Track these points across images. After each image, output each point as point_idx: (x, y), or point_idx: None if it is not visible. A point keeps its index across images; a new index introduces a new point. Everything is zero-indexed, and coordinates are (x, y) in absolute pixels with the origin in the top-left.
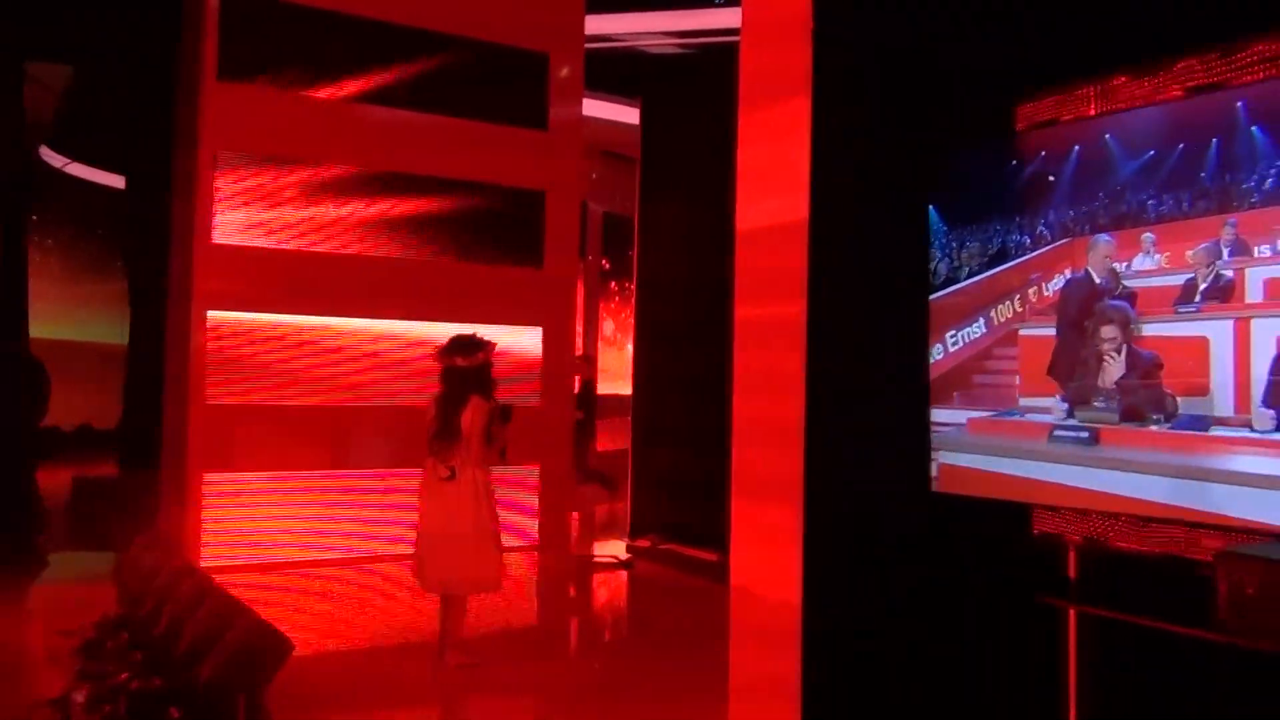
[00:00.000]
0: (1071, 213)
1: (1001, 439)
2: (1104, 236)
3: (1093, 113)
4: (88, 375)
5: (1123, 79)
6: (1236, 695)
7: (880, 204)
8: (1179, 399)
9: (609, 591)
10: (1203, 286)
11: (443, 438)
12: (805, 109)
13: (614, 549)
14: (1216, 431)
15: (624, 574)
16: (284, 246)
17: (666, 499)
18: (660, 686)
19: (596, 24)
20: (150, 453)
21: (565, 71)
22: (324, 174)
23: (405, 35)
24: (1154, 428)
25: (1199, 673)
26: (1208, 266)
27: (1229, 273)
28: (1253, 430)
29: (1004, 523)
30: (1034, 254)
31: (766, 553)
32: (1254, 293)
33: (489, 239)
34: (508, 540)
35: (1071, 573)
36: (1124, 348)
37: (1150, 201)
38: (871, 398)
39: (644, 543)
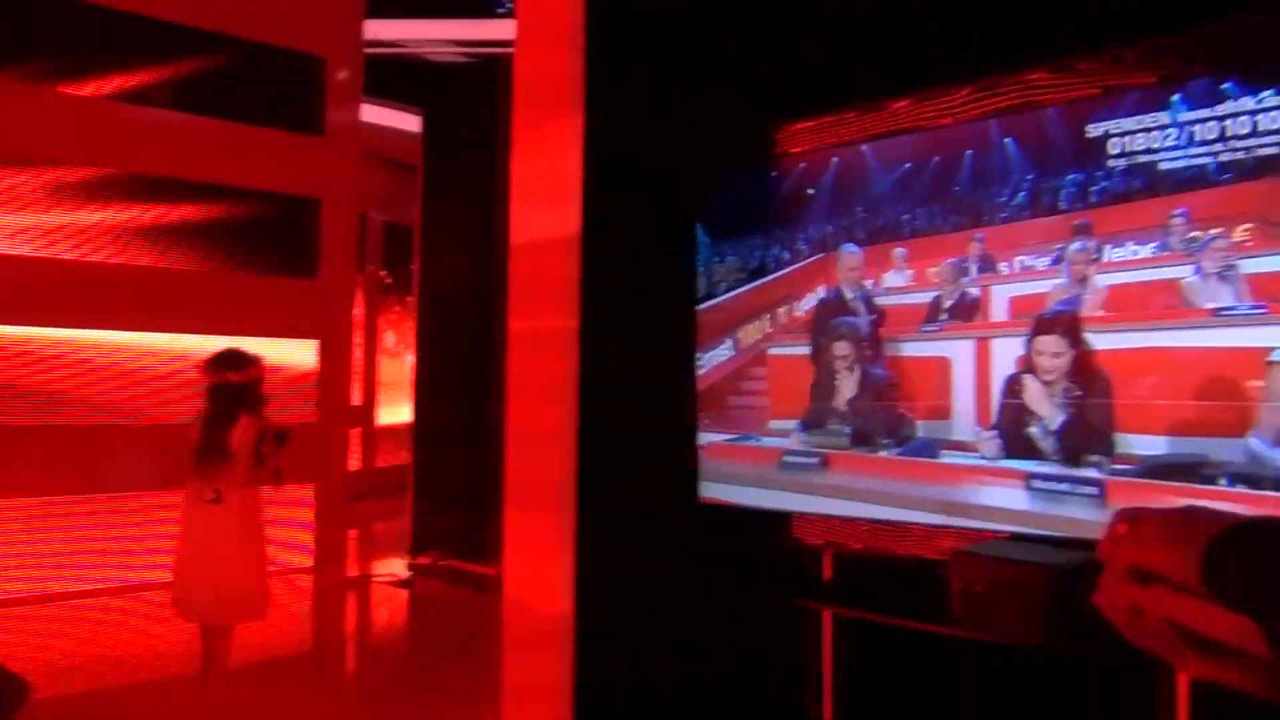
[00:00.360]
0: (830, 227)
1: (733, 465)
2: (849, 247)
3: (849, 136)
4: None
5: (883, 104)
6: (973, 685)
7: (650, 220)
8: (923, 423)
9: (388, 611)
10: (948, 304)
11: (209, 458)
12: (578, 125)
13: (394, 567)
14: (947, 458)
15: (404, 593)
16: (31, 254)
17: (448, 514)
18: (435, 699)
19: (377, 29)
20: None
21: (343, 76)
22: (76, 176)
23: (171, 32)
24: (884, 453)
25: (940, 665)
26: (953, 284)
27: (975, 290)
28: (982, 457)
29: (767, 530)
30: (786, 271)
31: (539, 563)
32: (999, 311)
33: (261, 248)
34: (282, 563)
35: (827, 576)
36: (856, 367)
37: (905, 216)
38: (642, 410)
39: (425, 560)
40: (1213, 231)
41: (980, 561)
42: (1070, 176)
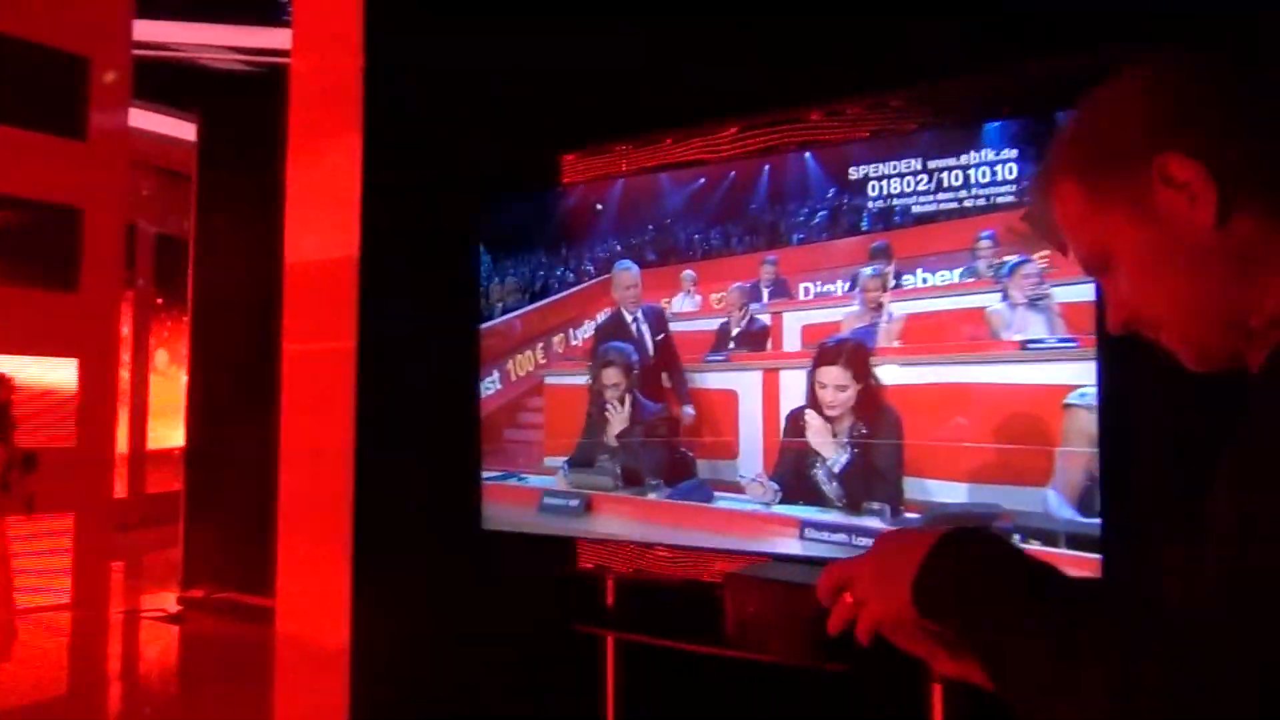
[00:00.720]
0: (617, 247)
1: (496, 506)
2: (623, 264)
3: (630, 164)
4: None
5: (657, 138)
6: (754, 705)
7: (432, 243)
8: (705, 462)
9: (156, 649)
10: (735, 332)
11: None
12: (357, 144)
13: (164, 601)
14: (724, 502)
15: (174, 628)
16: None
17: (224, 544)
18: None
19: (149, 30)
20: None
21: (109, 77)
22: None
23: None
24: (652, 495)
25: (723, 686)
26: (740, 309)
27: (765, 317)
28: (759, 502)
29: (550, 556)
30: (564, 294)
31: (315, 592)
32: (791, 340)
33: (16, 258)
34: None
35: (610, 601)
36: (627, 397)
37: (695, 236)
38: (423, 435)
39: (198, 593)
40: (1020, 255)
41: (750, 584)
42: (871, 198)
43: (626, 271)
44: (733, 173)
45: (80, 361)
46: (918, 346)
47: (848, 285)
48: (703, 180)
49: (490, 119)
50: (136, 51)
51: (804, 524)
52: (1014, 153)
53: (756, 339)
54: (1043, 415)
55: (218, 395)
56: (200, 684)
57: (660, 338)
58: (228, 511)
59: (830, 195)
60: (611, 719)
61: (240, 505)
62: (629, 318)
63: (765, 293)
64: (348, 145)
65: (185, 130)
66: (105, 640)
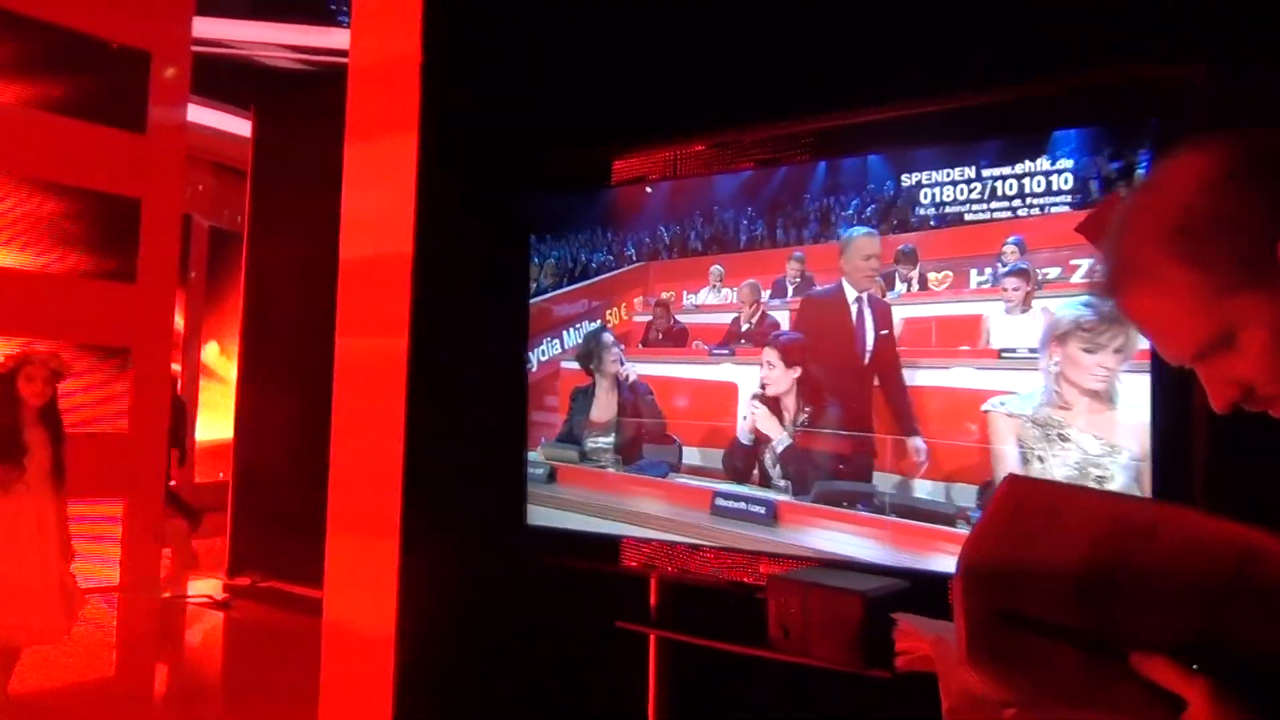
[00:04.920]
0: (647, 241)
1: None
2: (861, 229)
3: (677, 160)
4: None
5: (712, 142)
6: (790, 706)
7: (485, 241)
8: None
9: (201, 635)
10: (745, 328)
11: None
12: (413, 141)
13: (210, 587)
14: (681, 479)
15: (221, 615)
16: None
17: (270, 533)
18: None
19: (208, 28)
20: None
21: (169, 73)
22: None
23: None
24: (611, 470)
25: (761, 687)
26: (751, 305)
27: (775, 314)
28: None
29: (596, 554)
30: (592, 281)
31: (363, 586)
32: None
33: (75, 248)
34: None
35: (653, 600)
36: (604, 381)
37: (731, 230)
38: (472, 433)
39: (244, 580)
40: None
41: (794, 587)
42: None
43: (869, 238)
44: (778, 171)
45: (135, 351)
46: (913, 349)
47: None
48: (743, 178)
49: (542, 113)
50: (195, 48)
51: (716, 494)
52: (1048, 163)
53: (763, 335)
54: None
55: (267, 387)
56: (247, 669)
57: (884, 333)
58: (274, 502)
59: (868, 195)
60: (653, 717)
61: (286, 496)
62: (851, 295)
63: (790, 288)
64: (404, 141)
65: (240, 126)
66: (154, 624)
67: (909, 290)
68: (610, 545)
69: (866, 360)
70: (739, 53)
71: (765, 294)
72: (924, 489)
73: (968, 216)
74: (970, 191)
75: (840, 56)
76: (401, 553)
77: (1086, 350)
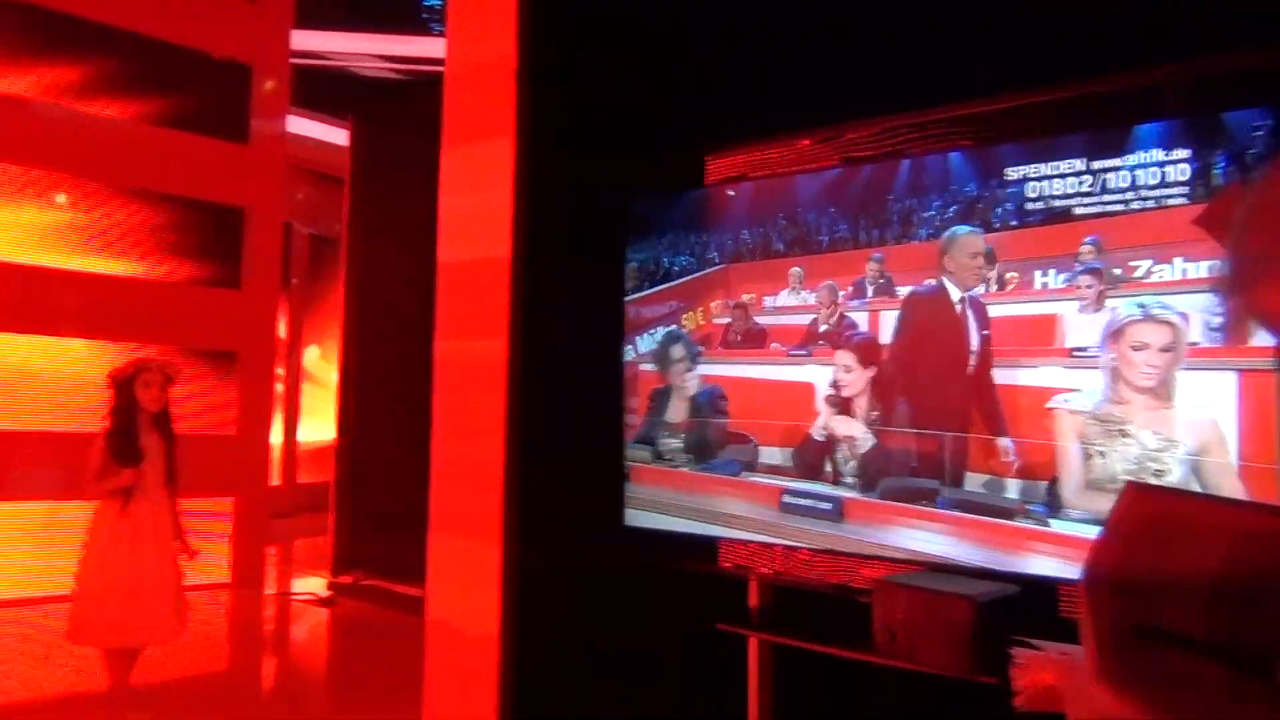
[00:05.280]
0: (730, 243)
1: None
2: (964, 227)
3: (773, 164)
4: None
5: (808, 141)
6: (895, 712)
7: (581, 242)
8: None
9: (308, 632)
10: (822, 328)
11: (112, 469)
12: (509, 146)
13: (314, 585)
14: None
15: (325, 612)
16: None
17: (372, 532)
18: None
19: (306, 40)
20: None
21: (270, 85)
22: None
23: (94, 31)
24: (684, 469)
25: (865, 691)
26: (829, 306)
27: (858, 315)
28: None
29: (694, 554)
30: (675, 283)
31: (465, 587)
32: (888, 336)
33: (182, 256)
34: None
35: (753, 601)
36: (679, 382)
37: (813, 231)
38: (571, 435)
39: (347, 578)
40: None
41: (899, 591)
42: (980, 203)
43: (974, 236)
44: (862, 171)
45: (240, 355)
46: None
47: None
48: (827, 179)
49: (636, 118)
50: (294, 60)
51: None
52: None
53: (843, 335)
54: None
55: (367, 390)
56: (351, 664)
57: (985, 332)
58: (375, 502)
59: (950, 195)
60: (756, 718)
61: (387, 496)
62: (955, 295)
63: (870, 289)
64: (500, 146)
65: (337, 135)
66: (261, 619)
67: (987, 290)
68: (707, 546)
69: (973, 360)
70: (831, 49)
71: (842, 295)
72: (1002, 486)
73: (1048, 214)
74: (1053, 189)
75: (939, 48)
76: (503, 553)
77: (1134, 348)
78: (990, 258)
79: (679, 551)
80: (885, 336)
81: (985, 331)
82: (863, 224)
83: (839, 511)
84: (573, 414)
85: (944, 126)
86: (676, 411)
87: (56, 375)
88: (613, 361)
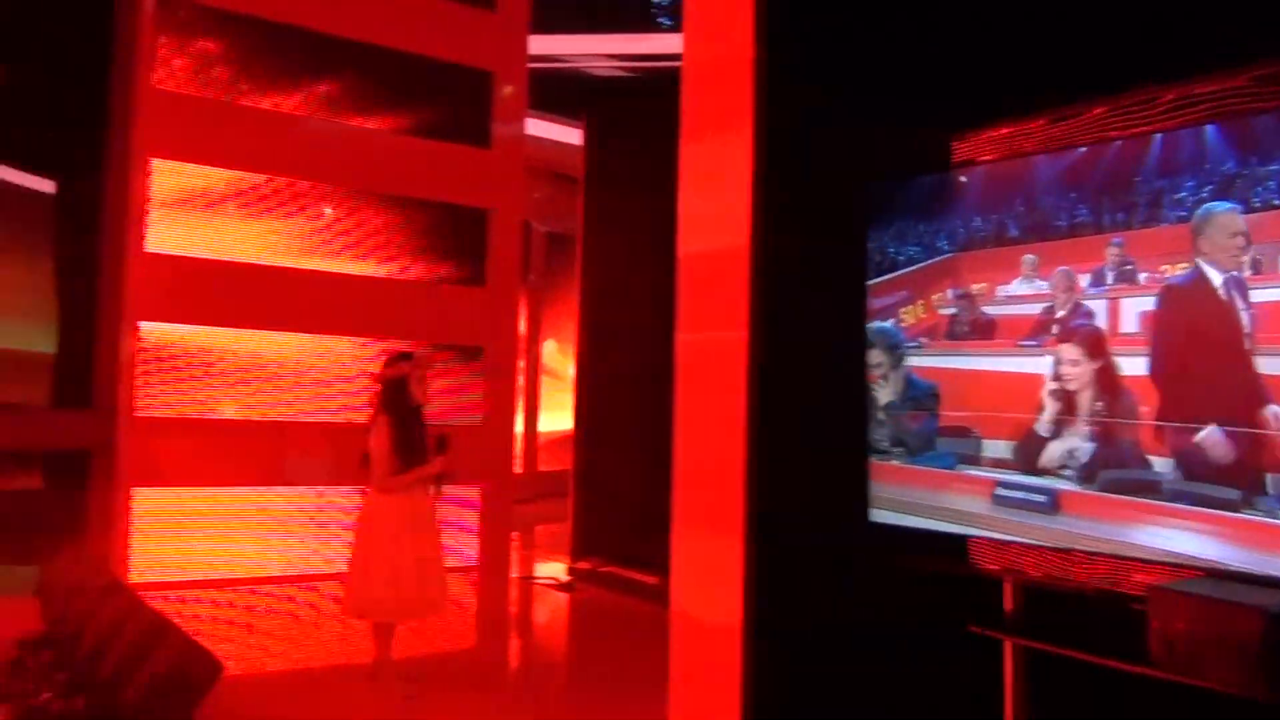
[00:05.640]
0: (963, 232)
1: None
2: (1221, 204)
3: (1029, 144)
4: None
5: (1056, 118)
6: None
7: (821, 231)
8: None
9: (550, 615)
10: (1059, 315)
11: (362, 458)
12: (748, 134)
13: (555, 570)
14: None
15: (565, 596)
16: (219, 257)
17: (609, 521)
18: (601, 700)
19: (541, 44)
20: (77, 466)
21: (508, 90)
22: (261, 185)
23: (347, 48)
24: (895, 461)
25: (1134, 706)
26: (1065, 293)
27: (1096, 303)
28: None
29: (942, 552)
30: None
31: (708, 579)
32: (1128, 325)
33: (432, 257)
34: (449, 560)
35: (1008, 605)
36: (891, 375)
37: (1047, 217)
38: (814, 428)
39: (585, 564)
40: None
41: (1180, 600)
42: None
43: (1231, 215)
44: (1108, 150)
45: (485, 349)
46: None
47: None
48: (1068, 161)
49: (874, 100)
50: (531, 65)
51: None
52: None
53: (1079, 324)
54: None
55: (602, 382)
56: (591, 648)
57: (1249, 314)
58: (613, 490)
59: (1205, 174)
60: None
61: (623, 484)
62: (1217, 279)
63: (1110, 276)
64: (739, 136)
65: (569, 135)
66: (506, 602)
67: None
68: (955, 544)
69: (1247, 345)
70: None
71: (1079, 281)
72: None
73: None
74: None
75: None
76: (745, 547)
77: None
78: (1248, 238)
79: (928, 548)
80: (1126, 324)
81: (1249, 313)
82: (1106, 207)
83: (1054, 504)
84: (815, 405)
85: (1204, 101)
86: (890, 404)
87: (324, 370)
88: (855, 351)
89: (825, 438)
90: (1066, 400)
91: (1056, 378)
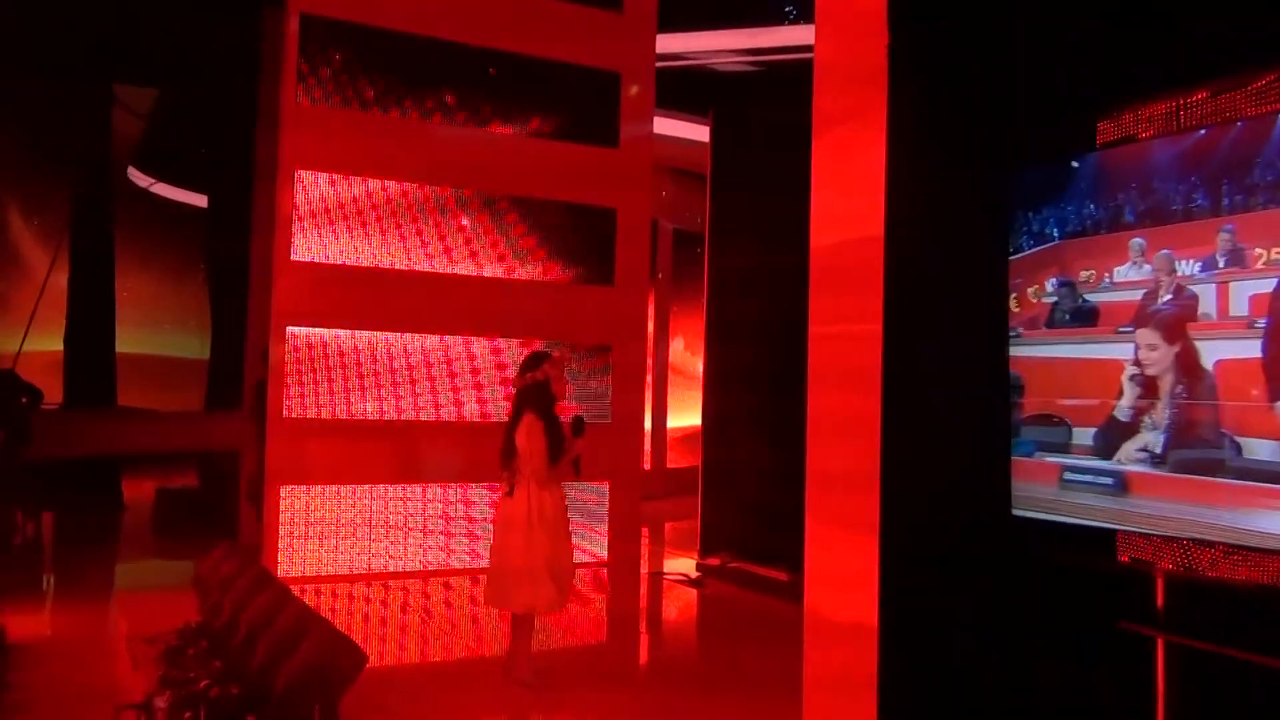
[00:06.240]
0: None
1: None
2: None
3: (1176, 127)
4: (168, 387)
5: (1204, 94)
6: None
7: (958, 218)
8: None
9: (679, 611)
10: (1164, 299)
11: (503, 456)
12: (880, 121)
13: (684, 566)
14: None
15: (695, 592)
16: (360, 263)
17: (737, 517)
18: (734, 695)
19: (667, 43)
20: (230, 463)
21: (635, 90)
22: (400, 192)
23: (480, 56)
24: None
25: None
26: (1169, 276)
27: (1195, 287)
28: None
29: (1087, 547)
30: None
31: (842, 582)
32: (1238, 310)
33: (562, 257)
34: (580, 556)
35: (1160, 601)
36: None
37: (1161, 201)
38: (951, 422)
39: (714, 560)
40: None
41: None
42: None
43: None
44: (1229, 132)
45: (615, 347)
46: None
47: None
48: (1187, 143)
49: (1008, 86)
50: (657, 64)
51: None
52: None
53: (1185, 308)
54: None
55: (731, 378)
56: (721, 645)
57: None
58: (741, 486)
59: None
60: None
61: (753, 480)
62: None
63: (1221, 261)
64: (872, 126)
65: (695, 132)
66: (637, 596)
67: None
68: (1103, 538)
69: None
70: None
71: (1181, 266)
72: None
73: None
74: None
75: None
76: (881, 545)
77: None
78: None
79: (1070, 543)
80: (1236, 308)
81: None
82: (1227, 190)
83: (1122, 486)
84: (952, 398)
85: None
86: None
87: (459, 370)
88: (995, 343)
89: (964, 432)
90: (1147, 385)
91: (1137, 363)
